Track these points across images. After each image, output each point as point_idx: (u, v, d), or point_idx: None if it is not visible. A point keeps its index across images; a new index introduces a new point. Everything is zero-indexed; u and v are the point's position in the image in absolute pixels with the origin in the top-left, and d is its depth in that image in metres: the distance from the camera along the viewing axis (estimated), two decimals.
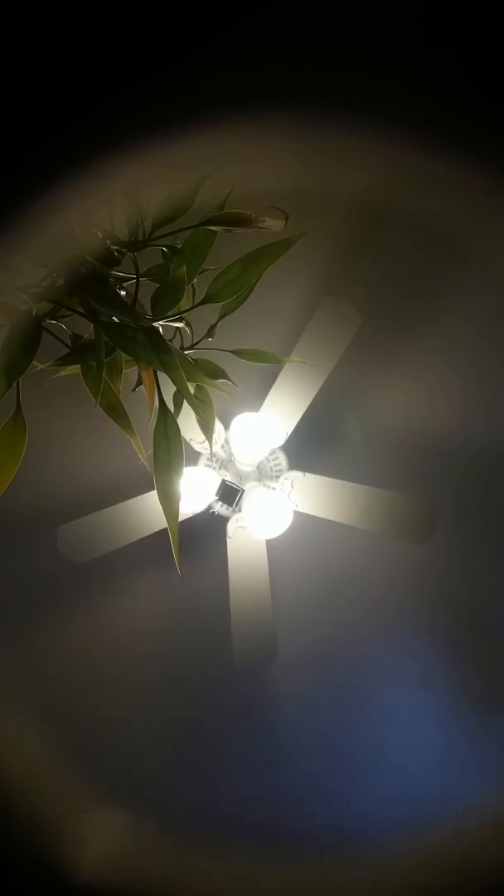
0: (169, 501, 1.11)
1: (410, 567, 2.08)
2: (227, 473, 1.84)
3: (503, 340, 1.91)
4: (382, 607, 2.11)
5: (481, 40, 1.36)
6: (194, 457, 1.84)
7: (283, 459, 1.86)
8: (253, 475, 1.85)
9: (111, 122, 1.27)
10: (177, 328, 1.22)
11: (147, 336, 1.08)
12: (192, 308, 1.23)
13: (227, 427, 1.75)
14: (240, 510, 1.83)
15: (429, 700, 2.14)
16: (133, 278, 1.15)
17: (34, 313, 1.09)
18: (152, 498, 1.75)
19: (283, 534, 1.79)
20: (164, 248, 1.17)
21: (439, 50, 1.36)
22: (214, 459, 1.84)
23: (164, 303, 1.16)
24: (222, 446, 1.81)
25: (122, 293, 1.15)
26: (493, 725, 2.11)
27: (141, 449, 1.15)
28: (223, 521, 1.87)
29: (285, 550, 1.99)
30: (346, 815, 2.15)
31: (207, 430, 1.30)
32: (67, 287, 1.10)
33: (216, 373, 1.27)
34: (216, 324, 1.28)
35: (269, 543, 1.86)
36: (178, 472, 1.12)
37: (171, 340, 1.17)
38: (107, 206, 1.15)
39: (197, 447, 1.77)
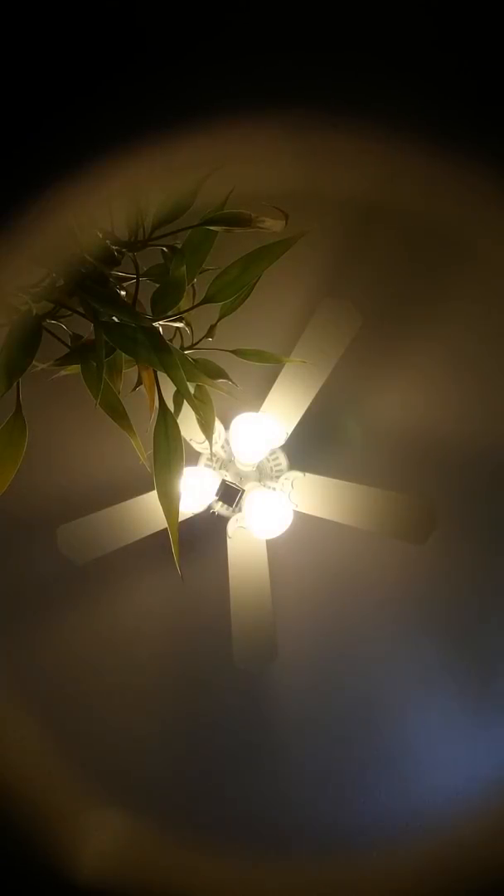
0: (169, 501, 1.11)
1: (410, 567, 2.08)
2: (227, 473, 1.84)
3: (503, 341, 1.91)
4: (382, 607, 2.11)
5: (482, 39, 1.36)
6: (194, 457, 1.84)
7: (283, 459, 1.86)
8: (253, 475, 1.85)
9: (111, 122, 1.27)
10: (177, 328, 1.23)
11: (147, 336, 1.08)
12: (192, 308, 1.23)
13: (227, 427, 1.75)
14: (240, 510, 1.83)
15: (429, 699, 2.14)
16: (133, 278, 1.15)
17: (34, 313, 1.09)
18: (152, 498, 1.75)
19: (283, 534, 1.79)
20: (164, 248, 1.17)
21: (440, 49, 1.36)
22: (214, 459, 1.84)
23: (164, 303, 1.16)
24: (222, 446, 1.81)
25: (122, 293, 1.15)
26: (494, 724, 2.11)
27: (141, 449, 1.15)
28: (223, 521, 1.86)
29: (285, 550, 1.99)
30: (347, 814, 2.15)
31: (207, 430, 1.30)
32: (67, 287, 1.10)
33: (216, 373, 1.27)
34: (216, 324, 1.28)
35: (269, 543, 1.86)
36: (178, 472, 1.12)
37: (171, 340, 1.17)
38: (107, 206, 1.15)
39: (197, 447, 1.77)
